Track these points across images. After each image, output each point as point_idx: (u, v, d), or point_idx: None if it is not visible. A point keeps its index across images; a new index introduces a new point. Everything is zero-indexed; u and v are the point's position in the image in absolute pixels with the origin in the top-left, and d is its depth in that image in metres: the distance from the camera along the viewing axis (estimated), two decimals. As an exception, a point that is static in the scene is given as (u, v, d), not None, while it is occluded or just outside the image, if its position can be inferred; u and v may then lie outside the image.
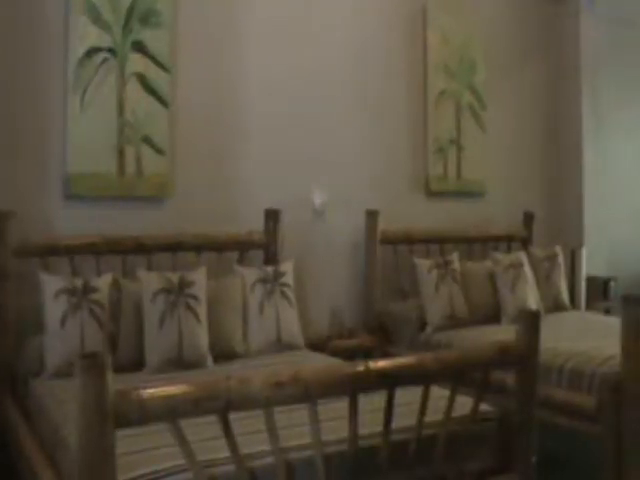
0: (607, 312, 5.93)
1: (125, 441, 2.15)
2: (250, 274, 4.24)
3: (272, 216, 4.64)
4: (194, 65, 4.57)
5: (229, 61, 4.75)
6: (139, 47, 4.33)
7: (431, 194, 5.72)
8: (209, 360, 3.82)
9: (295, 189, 4.93)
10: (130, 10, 4.29)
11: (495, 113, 6.10)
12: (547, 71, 6.54)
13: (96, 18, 4.18)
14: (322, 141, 5.10)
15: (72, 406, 2.02)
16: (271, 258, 4.59)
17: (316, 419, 2.21)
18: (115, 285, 3.88)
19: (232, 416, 2.10)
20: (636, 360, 3.35)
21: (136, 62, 4.32)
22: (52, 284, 3.68)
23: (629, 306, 3.36)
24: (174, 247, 4.27)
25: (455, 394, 2.55)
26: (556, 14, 6.51)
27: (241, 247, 4.53)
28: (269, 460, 2.28)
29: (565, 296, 5.55)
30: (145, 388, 1.97)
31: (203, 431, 2.34)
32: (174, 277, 3.86)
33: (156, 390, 1.98)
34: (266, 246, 4.62)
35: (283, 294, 4.26)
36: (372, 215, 5.11)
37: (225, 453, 2.18)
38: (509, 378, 2.80)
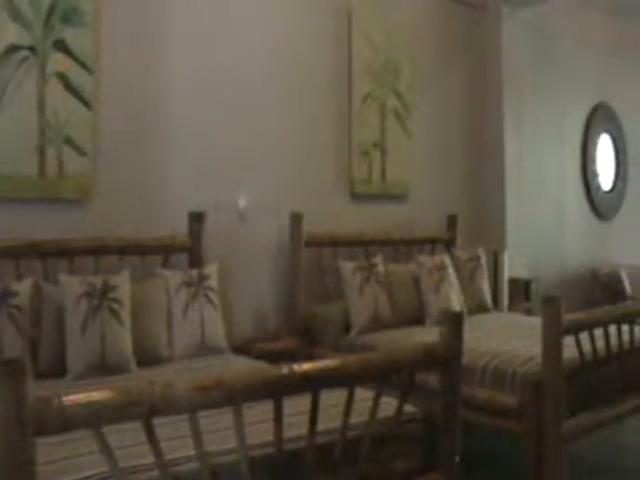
0: (528, 312, 6.06)
1: (46, 449, 2.10)
2: (174, 277, 4.20)
3: (196, 218, 4.60)
4: (119, 66, 4.49)
5: (155, 62, 4.69)
6: (61, 46, 4.23)
7: (356, 197, 5.76)
8: (133, 365, 3.76)
9: (220, 191, 4.90)
10: (51, 8, 4.19)
11: (420, 116, 6.18)
12: (471, 75, 6.66)
13: (16, 15, 4.06)
14: (247, 143, 5.08)
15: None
16: (195, 261, 4.55)
17: (241, 423, 2.19)
18: (36, 289, 3.79)
19: (156, 421, 2.08)
20: (556, 359, 3.43)
21: (58, 62, 4.22)
22: (-30, 289, 3.58)
23: (549, 307, 3.44)
24: (97, 250, 4.18)
25: (380, 396, 2.57)
26: (479, 20, 6.64)
27: (165, 250, 4.47)
28: (194, 465, 2.26)
29: (488, 297, 5.64)
30: (67, 394, 1.93)
31: (127, 437, 2.31)
32: (97, 281, 3.79)
33: (78, 396, 1.93)
34: (190, 249, 4.58)
35: (207, 297, 4.22)
36: (296, 217, 5.11)
37: (149, 459, 2.15)
38: (433, 379, 2.83)
